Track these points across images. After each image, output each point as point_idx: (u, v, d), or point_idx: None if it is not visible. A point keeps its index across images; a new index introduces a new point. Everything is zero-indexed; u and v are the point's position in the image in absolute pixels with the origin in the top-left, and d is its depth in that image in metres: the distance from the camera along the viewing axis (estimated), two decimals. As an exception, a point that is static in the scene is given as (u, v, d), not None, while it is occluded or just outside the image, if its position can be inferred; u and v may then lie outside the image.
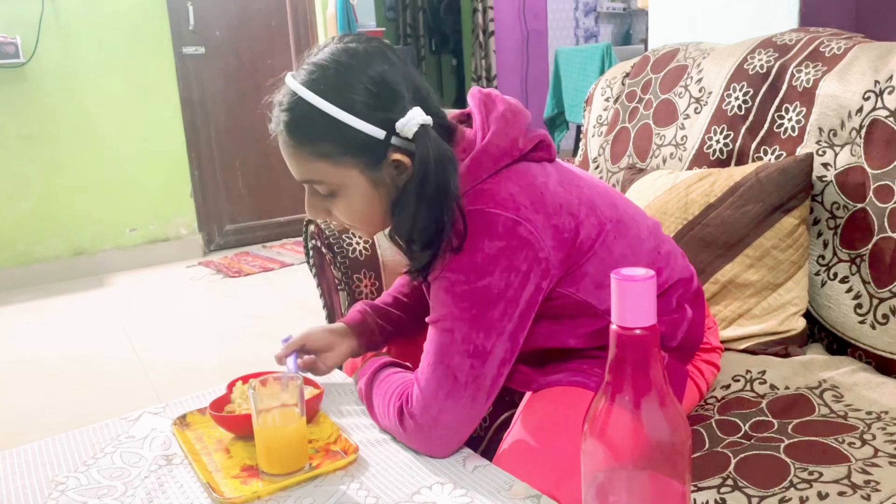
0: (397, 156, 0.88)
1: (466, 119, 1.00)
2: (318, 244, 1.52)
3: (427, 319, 0.92)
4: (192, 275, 3.81)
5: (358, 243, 1.50)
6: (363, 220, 0.95)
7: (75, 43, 3.73)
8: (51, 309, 3.36)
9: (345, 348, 1.10)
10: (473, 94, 0.99)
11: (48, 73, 3.68)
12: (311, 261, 1.57)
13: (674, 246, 1.08)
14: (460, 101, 6.33)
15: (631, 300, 0.53)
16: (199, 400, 1.07)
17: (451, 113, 1.01)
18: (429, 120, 0.87)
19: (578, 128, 4.33)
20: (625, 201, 1.04)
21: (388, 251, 1.50)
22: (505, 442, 0.95)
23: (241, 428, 0.94)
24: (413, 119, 0.86)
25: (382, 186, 0.91)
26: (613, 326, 0.54)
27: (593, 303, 0.95)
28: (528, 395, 1.01)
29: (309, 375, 1.09)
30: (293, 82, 0.89)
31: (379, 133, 0.86)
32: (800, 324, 1.24)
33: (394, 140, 0.87)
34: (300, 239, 4.24)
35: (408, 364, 1.03)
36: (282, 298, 3.35)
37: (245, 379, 1.04)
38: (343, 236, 1.48)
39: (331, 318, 1.57)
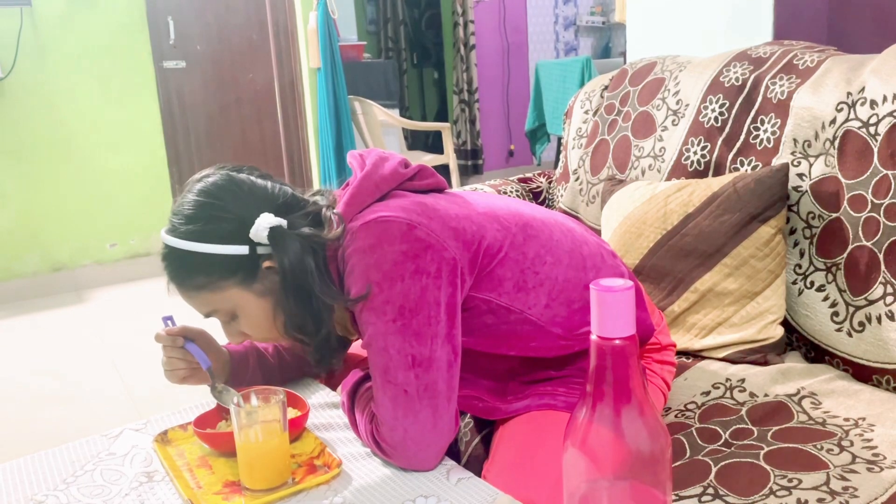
0: (268, 262, 0.92)
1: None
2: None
3: (361, 345, 0.93)
4: (174, 289, 3.77)
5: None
6: (272, 332, 0.98)
7: (54, 58, 3.70)
8: (29, 325, 3.32)
9: (217, 366, 1.07)
10: (350, 154, 1.04)
11: (26, 89, 3.65)
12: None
13: (601, 248, 1.07)
14: (442, 114, 6.35)
15: (610, 311, 0.54)
16: (181, 416, 1.06)
17: (338, 189, 1.03)
18: (280, 221, 0.91)
19: (559, 140, 4.36)
20: (531, 207, 1.06)
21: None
22: (486, 468, 0.96)
23: (225, 445, 0.93)
24: (261, 224, 0.90)
25: (271, 294, 0.95)
26: (593, 337, 0.55)
27: (521, 308, 0.96)
28: (498, 422, 1.03)
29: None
30: (163, 234, 0.96)
31: (241, 249, 0.91)
32: (778, 332, 1.25)
33: (259, 250, 0.92)
34: (282, 252, 4.21)
35: None
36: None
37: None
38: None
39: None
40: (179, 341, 1.04)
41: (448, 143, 4.01)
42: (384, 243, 0.88)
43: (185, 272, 0.94)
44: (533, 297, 0.96)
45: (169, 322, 1.07)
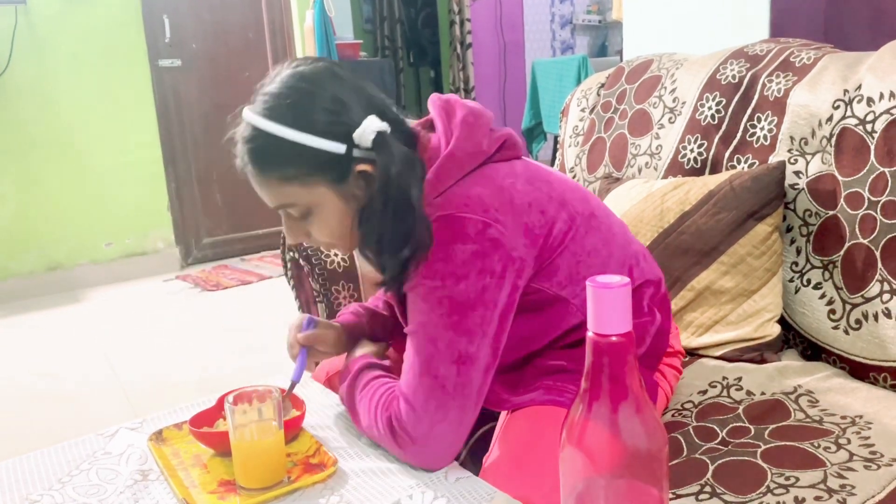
0: (362, 166, 0.89)
1: (429, 126, 1.01)
2: (296, 256, 1.51)
3: (406, 330, 0.91)
4: (170, 289, 3.77)
5: (336, 255, 1.49)
6: (341, 237, 0.95)
7: (49, 55, 3.69)
8: (25, 325, 3.31)
9: (339, 349, 1.10)
10: (433, 101, 1.00)
11: (22, 87, 3.64)
12: (290, 273, 1.56)
13: (642, 247, 1.09)
14: (438, 113, 6.33)
15: (607, 307, 0.54)
16: (177, 415, 1.06)
17: (414, 122, 1.02)
18: (385, 126, 0.88)
19: (556, 138, 4.36)
20: (595, 198, 1.06)
21: (366, 262, 1.50)
22: (486, 462, 0.95)
23: (220, 444, 0.92)
24: (368, 127, 0.87)
25: (353, 200, 0.92)
26: (590, 334, 0.54)
27: (567, 297, 0.96)
28: (503, 415, 1.02)
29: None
30: (250, 114, 0.91)
31: (339, 147, 0.88)
32: (774, 330, 1.25)
33: (355, 152, 0.88)
34: (278, 251, 4.21)
35: (387, 363, 1.02)
36: (260, 311, 3.33)
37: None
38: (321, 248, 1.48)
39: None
40: (297, 348, 1.06)
41: (445, 142, 4.00)
42: (457, 241, 0.87)
43: (274, 160, 0.89)
44: (580, 287, 0.96)
45: (310, 325, 1.09)
